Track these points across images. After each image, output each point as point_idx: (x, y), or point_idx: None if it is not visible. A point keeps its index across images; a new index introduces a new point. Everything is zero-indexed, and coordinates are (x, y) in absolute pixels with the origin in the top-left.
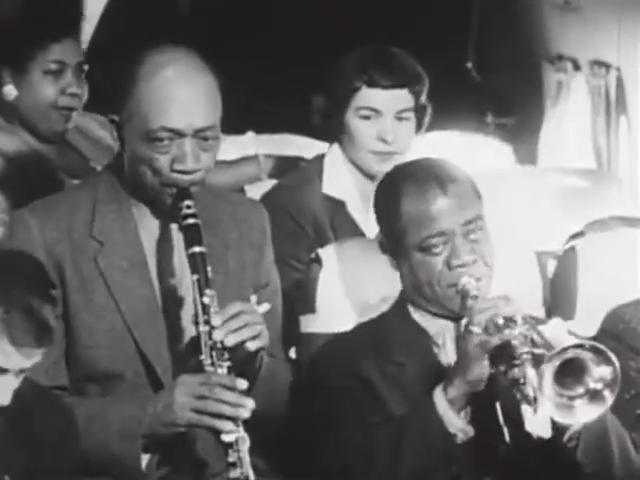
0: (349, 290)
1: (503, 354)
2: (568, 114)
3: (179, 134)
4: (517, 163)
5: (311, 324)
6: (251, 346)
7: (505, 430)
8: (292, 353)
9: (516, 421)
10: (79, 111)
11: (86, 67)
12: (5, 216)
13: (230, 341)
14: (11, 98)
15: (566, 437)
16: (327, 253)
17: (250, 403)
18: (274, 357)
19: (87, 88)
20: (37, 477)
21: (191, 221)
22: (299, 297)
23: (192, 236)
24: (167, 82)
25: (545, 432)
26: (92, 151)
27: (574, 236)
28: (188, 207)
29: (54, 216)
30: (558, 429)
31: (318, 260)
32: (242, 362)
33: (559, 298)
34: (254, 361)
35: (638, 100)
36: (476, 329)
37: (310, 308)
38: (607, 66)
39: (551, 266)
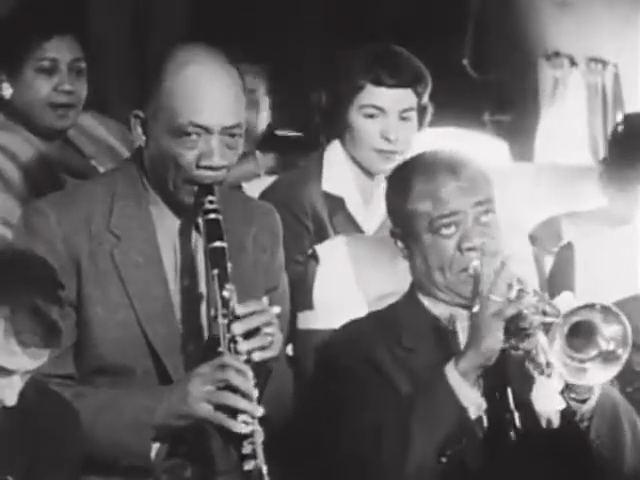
0: (347, 287)
1: (515, 325)
2: (564, 110)
3: (207, 130)
4: (513, 160)
5: (309, 321)
6: (259, 356)
7: (516, 415)
8: (289, 350)
9: (527, 405)
10: (78, 109)
11: (84, 64)
12: (10, 217)
13: (257, 357)
14: (7, 96)
15: (578, 417)
16: (324, 249)
17: (255, 393)
18: (278, 361)
19: (86, 85)
20: (40, 476)
21: (213, 216)
22: (296, 294)
23: (213, 231)
24: (196, 78)
25: (557, 405)
26: (93, 150)
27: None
28: (211, 202)
29: (72, 208)
30: (571, 407)
31: (315, 256)
32: (256, 363)
33: (556, 293)
34: (267, 363)
35: (634, 96)
36: (497, 298)
37: (307, 305)
38: (604, 62)
39: (548, 262)
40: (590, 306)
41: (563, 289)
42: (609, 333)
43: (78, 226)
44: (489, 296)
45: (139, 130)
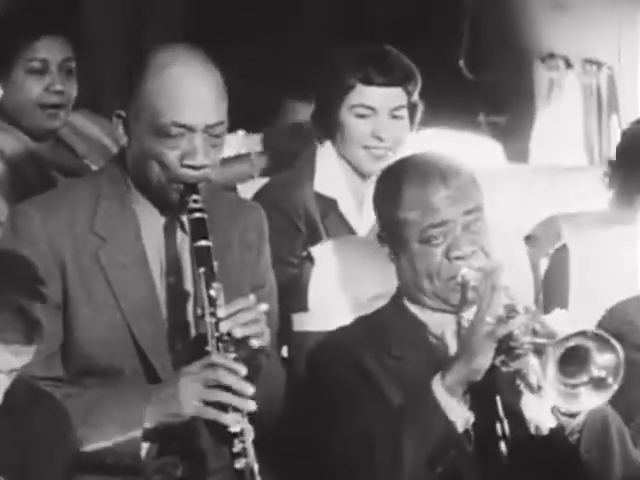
0: (341, 288)
1: (506, 344)
2: (560, 112)
3: (190, 129)
4: (508, 161)
5: (303, 322)
6: (257, 342)
7: (505, 423)
8: (284, 351)
9: (516, 415)
10: (68, 108)
11: (74, 64)
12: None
13: (238, 333)
14: None
15: (568, 431)
16: (319, 251)
17: (251, 389)
18: (269, 357)
19: (76, 85)
20: (32, 476)
21: (198, 215)
22: (291, 295)
23: (199, 230)
24: (178, 77)
25: (548, 422)
26: (85, 149)
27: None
28: (195, 201)
29: (57, 210)
30: (561, 422)
31: (310, 258)
32: (245, 357)
33: (551, 295)
34: (256, 359)
35: (630, 98)
36: (490, 319)
37: (302, 306)
38: (599, 64)
39: (543, 264)
40: (583, 333)
41: (558, 292)
42: (602, 361)
43: (62, 228)
44: (483, 316)
45: (121, 130)
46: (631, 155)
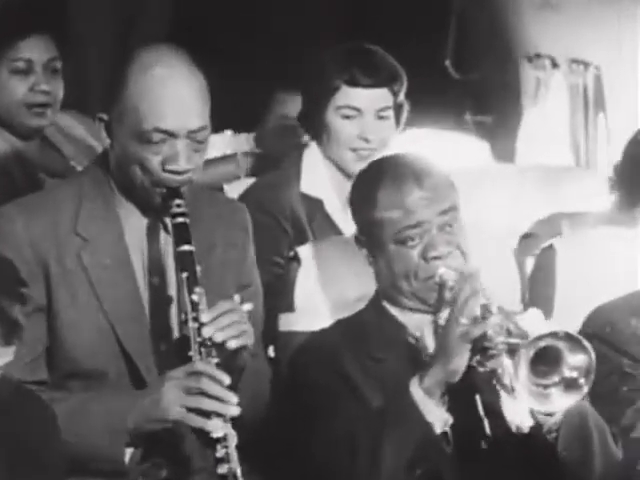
0: (328, 288)
1: (480, 343)
2: (546, 112)
3: (172, 135)
4: (495, 160)
5: (290, 322)
6: (235, 343)
7: (486, 422)
8: (271, 351)
9: (496, 413)
10: (55, 108)
11: (59, 64)
12: None
13: (219, 337)
14: None
15: (545, 429)
16: (306, 251)
17: (234, 398)
18: (255, 356)
19: (62, 84)
20: (21, 477)
21: (181, 220)
22: (278, 295)
23: (181, 234)
24: (159, 81)
25: (525, 421)
26: (72, 150)
27: (525, 237)
28: (178, 206)
29: (40, 212)
30: (538, 421)
31: (297, 258)
32: (228, 360)
33: (537, 296)
34: (239, 359)
35: (616, 97)
36: (464, 320)
37: (289, 306)
38: (585, 64)
39: (529, 264)
40: (554, 334)
41: (544, 291)
42: (573, 362)
43: (45, 231)
44: (457, 317)
45: (104, 133)
46: (637, 161)
